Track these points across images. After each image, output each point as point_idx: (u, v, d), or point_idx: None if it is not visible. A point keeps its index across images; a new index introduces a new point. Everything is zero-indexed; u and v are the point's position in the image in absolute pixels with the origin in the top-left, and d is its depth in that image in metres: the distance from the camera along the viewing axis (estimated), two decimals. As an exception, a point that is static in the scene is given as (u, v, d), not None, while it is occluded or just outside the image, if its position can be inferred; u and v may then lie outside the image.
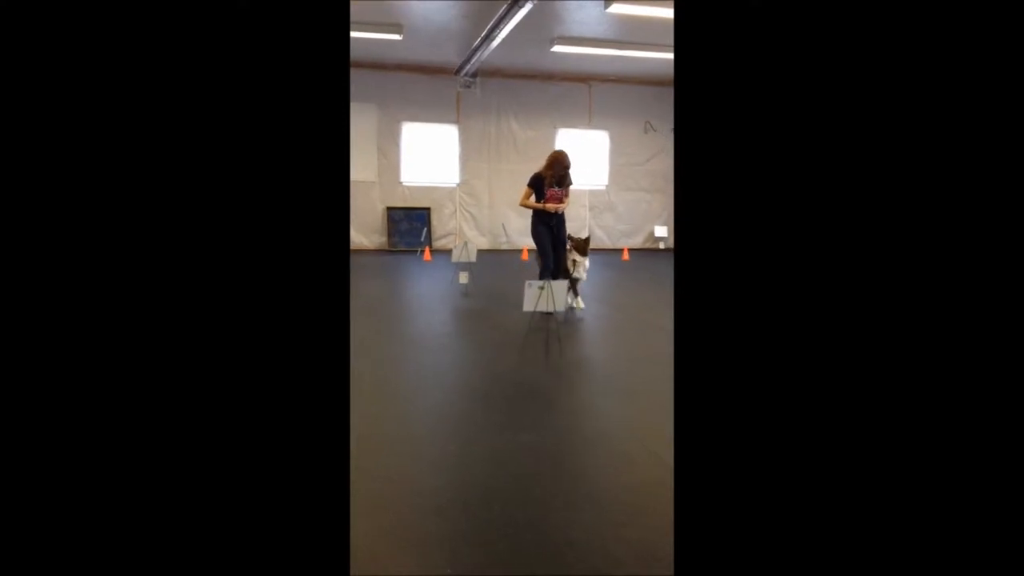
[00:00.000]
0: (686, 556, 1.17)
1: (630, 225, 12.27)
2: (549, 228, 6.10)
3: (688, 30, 1.21)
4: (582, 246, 6.26)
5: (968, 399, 1.06)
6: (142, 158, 1.14)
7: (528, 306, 4.62)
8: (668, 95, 11.95)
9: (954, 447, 1.07)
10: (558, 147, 12.16)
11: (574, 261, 6.20)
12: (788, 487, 1.13)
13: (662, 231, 12.48)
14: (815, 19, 1.13)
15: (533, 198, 6.11)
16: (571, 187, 6.27)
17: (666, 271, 9.24)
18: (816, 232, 1.13)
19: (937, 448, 1.07)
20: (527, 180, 6.05)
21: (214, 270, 1.16)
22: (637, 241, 12.34)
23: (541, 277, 5.93)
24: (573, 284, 6.22)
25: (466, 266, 7.39)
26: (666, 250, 12.25)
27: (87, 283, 1.13)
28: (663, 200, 12.44)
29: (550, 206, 6.03)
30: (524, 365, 4.32)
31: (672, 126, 12.20)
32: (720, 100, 1.18)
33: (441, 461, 2.80)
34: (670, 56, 9.41)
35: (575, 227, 9.71)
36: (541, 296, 4.61)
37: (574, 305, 6.19)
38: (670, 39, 8.64)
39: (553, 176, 6.01)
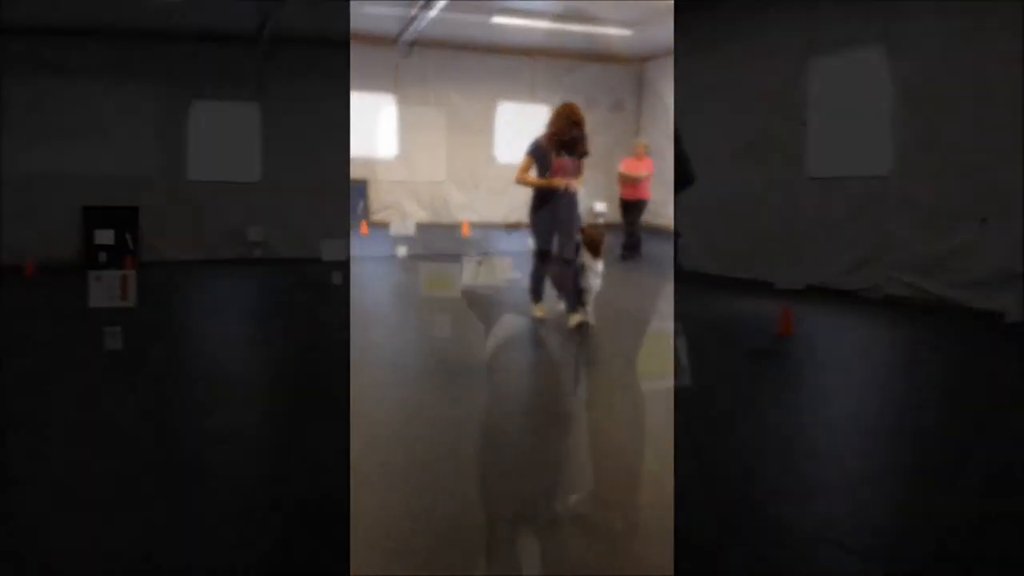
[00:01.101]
0: (686, 556, 1.16)
1: (570, 201, 12.32)
2: (553, 211, 4.41)
3: (688, 16, 1.17)
4: (596, 244, 4.35)
5: (967, 401, 1.06)
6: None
7: (465, 280, 4.56)
8: (609, 72, 11.96)
9: (954, 449, 1.07)
10: (500, 121, 12.15)
11: (582, 265, 4.37)
12: (789, 486, 1.12)
13: (601, 207, 12.53)
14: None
15: (534, 171, 4.40)
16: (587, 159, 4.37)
17: (609, 246, 9.28)
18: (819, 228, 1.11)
19: (937, 448, 1.07)
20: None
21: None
22: (577, 217, 12.40)
23: (535, 277, 4.59)
24: (579, 296, 4.53)
25: (404, 240, 7.27)
26: (606, 224, 12.34)
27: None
28: (602, 177, 12.49)
29: (557, 181, 4.33)
30: (462, 339, 4.28)
31: (612, 102, 12.24)
32: (721, 90, 1.15)
33: (381, 436, 2.75)
34: (613, 31, 9.40)
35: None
36: (479, 271, 4.56)
37: (574, 324, 4.40)
38: (613, 14, 8.62)
39: (560, 140, 4.28)
